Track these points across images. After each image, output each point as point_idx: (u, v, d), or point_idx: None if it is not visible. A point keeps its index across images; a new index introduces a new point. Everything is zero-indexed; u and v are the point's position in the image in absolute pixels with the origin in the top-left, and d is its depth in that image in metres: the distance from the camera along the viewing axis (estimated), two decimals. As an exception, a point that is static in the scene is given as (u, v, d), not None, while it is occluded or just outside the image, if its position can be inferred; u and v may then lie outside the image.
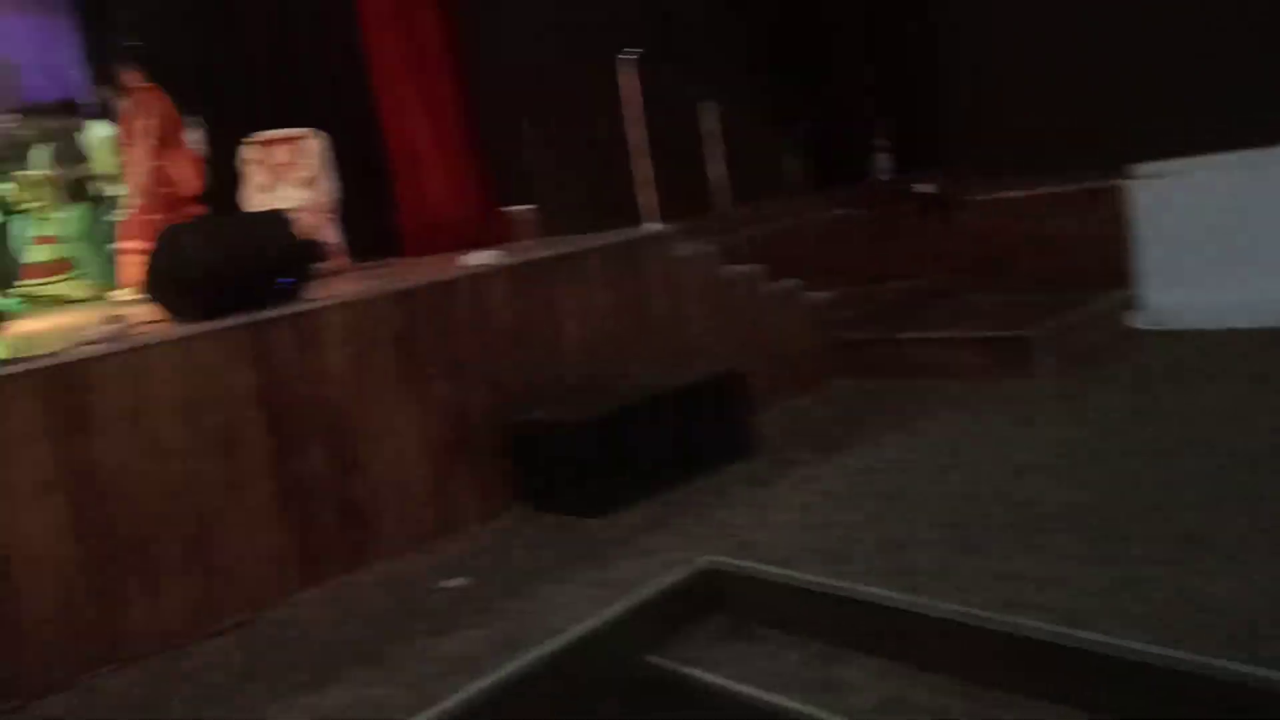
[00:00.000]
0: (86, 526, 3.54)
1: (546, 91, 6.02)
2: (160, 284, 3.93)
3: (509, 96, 5.95)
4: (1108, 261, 6.16)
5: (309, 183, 6.16)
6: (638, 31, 5.47)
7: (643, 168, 5.24)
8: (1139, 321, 6.01)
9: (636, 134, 5.18)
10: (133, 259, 5.82)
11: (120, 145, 6.34)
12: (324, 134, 6.23)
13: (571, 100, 5.96)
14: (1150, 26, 5.97)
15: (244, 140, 6.22)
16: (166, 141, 5.99)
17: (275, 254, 4.04)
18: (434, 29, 5.91)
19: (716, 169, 5.43)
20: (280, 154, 6.23)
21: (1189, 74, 5.83)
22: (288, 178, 6.16)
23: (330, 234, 6.08)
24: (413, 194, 6.16)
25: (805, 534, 3.72)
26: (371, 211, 6.26)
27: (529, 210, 6.04)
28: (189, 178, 6.01)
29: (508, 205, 6.02)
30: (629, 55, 5.15)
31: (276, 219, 4.25)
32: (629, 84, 5.15)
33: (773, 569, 3.29)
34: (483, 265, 4.61)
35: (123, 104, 6.21)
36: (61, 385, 3.54)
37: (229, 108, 6.34)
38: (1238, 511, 3.31)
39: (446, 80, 5.96)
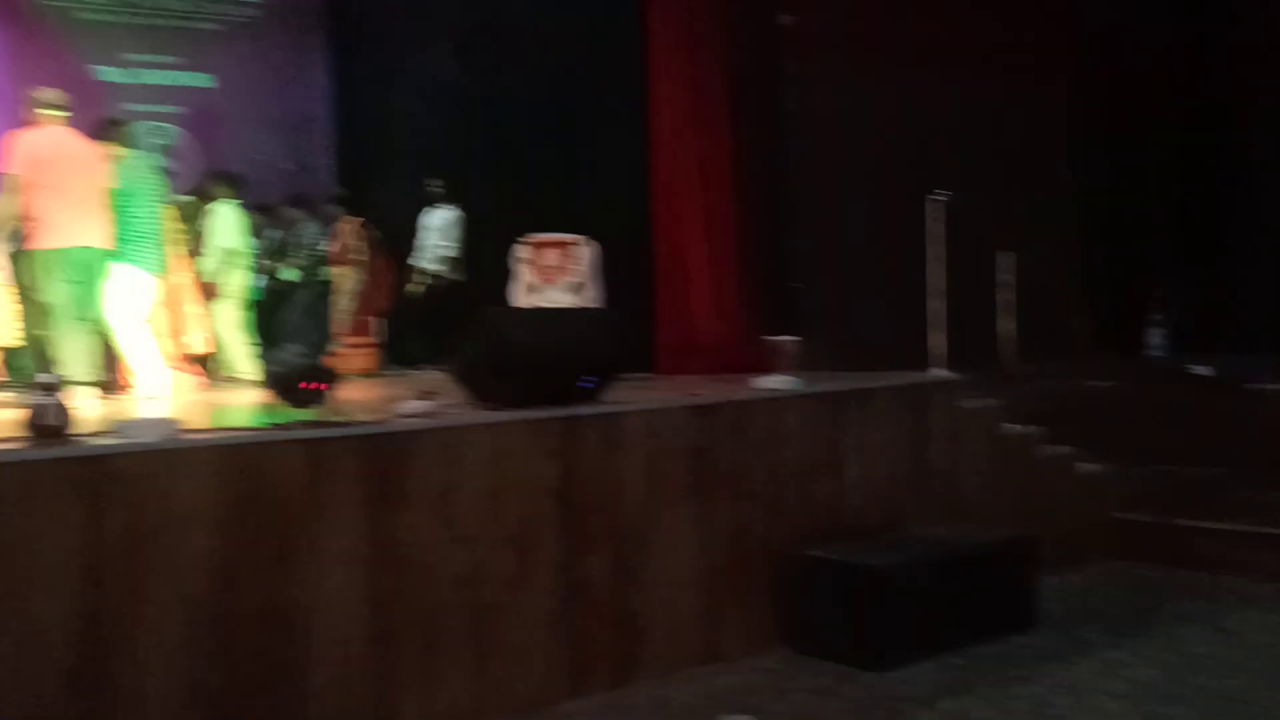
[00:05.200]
0: (378, 603, 3.46)
1: (841, 223, 5.97)
2: (475, 366, 3.93)
3: (801, 224, 5.91)
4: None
5: (577, 288, 6.23)
6: (943, 171, 5.37)
7: (937, 311, 5.08)
8: None
9: (936, 276, 5.04)
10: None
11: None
12: (595, 242, 6.32)
13: (869, 237, 5.89)
14: None
15: (519, 240, 6.36)
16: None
17: (590, 352, 4.00)
18: (723, 145, 5.96)
19: (1006, 321, 5.22)
20: (551, 256, 6.34)
21: None
22: (556, 280, 6.25)
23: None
24: (675, 310, 6.13)
25: (1139, 727, 3.35)
26: (629, 324, 6.26)
27: (792, 341, 5.93)
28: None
29: (773, 334, 5.91)
30: (939, 196, 5.06)
31: (597, 318, 4.25)
32: (935, 225, 5.04)
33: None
34: (778, 390, 4.48)
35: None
36: (382, 456, 3.52)
37: (508, 205, 6.52)
38: None
39: (727, 199, 5.97)
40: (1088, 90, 7.30)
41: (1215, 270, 6.64)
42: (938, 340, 5.11)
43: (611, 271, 6.30)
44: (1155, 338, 6.55)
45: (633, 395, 4.54)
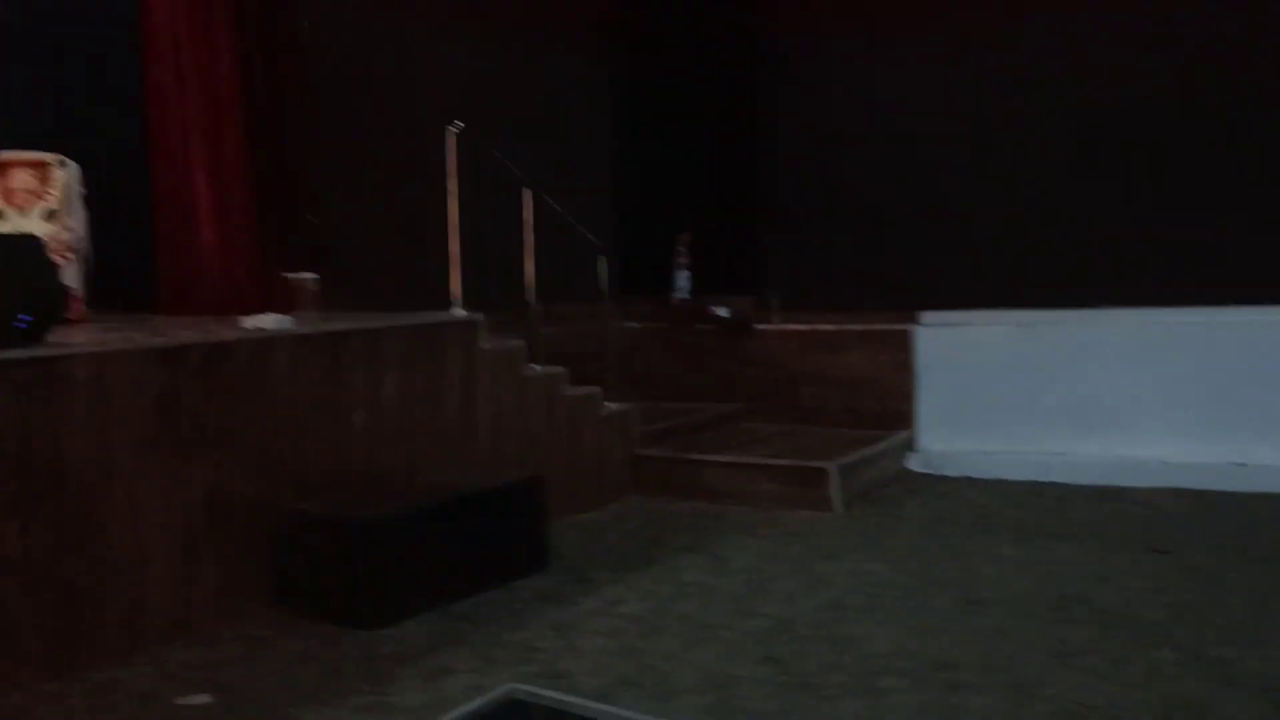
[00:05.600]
0: None
1: (364, 157, 5.56)
2: None
3: (320, 154, 5.42)
4: (893, 403, 6.30)
5: (52, 216, 5.34)
6: (474, 108, 5.14)
7: (455, 248, 4.87)
8: (916, 464, 6.13)
9: (453, 210, 4.82)
10: None
11: None
12: (74, 163, 5.45)
13: (394, 172, 5.53)
14: (962, 183, 6.28)
15: (-20, 158, 5.34)
16: None
17: (22, 286, 3.35)
18: (226, 59, 5.33)
19: (530, 261, 5.12)
20: (22, 179, 5.39)
21: (987, 229, 6.13)
22: (30, 206, 5.33)
23: (70, 277, 5.26)
24: (178, 242, 5.45)
25: (618, 662, 3.35)
26: (126, 259, 5.49)
27: (310, 279, 5.49)
28: None
29: (291, 270, 5.44)
30: (455, 127, 4.82)
31: (30, 246, 3.57)
32: (451, 157, 4.81)
33: (590, 703, 2.89)
34: (267, 330, 4.05)
35: None
36: None
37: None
38: (1056, 663, 3.24)
39: (235, 122, 5.37)
40: (627, 36, 7.44)
41: (742, 216, 7.03)
42: (456, 279, 4.91)
43: (104, 197, 5.46)
44: (682, 280, 6.83)
45: (90, 336, 3.91)
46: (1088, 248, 5.98)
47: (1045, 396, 5.85)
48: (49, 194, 5.36)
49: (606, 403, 5.62)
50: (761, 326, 6.74)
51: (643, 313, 6.85)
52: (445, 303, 5.00)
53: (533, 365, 5.16)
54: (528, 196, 5.18)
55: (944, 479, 5.93)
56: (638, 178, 7.01)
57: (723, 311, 6.80)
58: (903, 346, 6.28)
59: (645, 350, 6.62)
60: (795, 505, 5.37)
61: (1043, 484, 5.66)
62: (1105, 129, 6.11)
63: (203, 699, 3.14)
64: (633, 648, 3.48)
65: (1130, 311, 5.70)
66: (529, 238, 5.14)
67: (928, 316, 6.26)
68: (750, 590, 4.10)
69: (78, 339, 3.81)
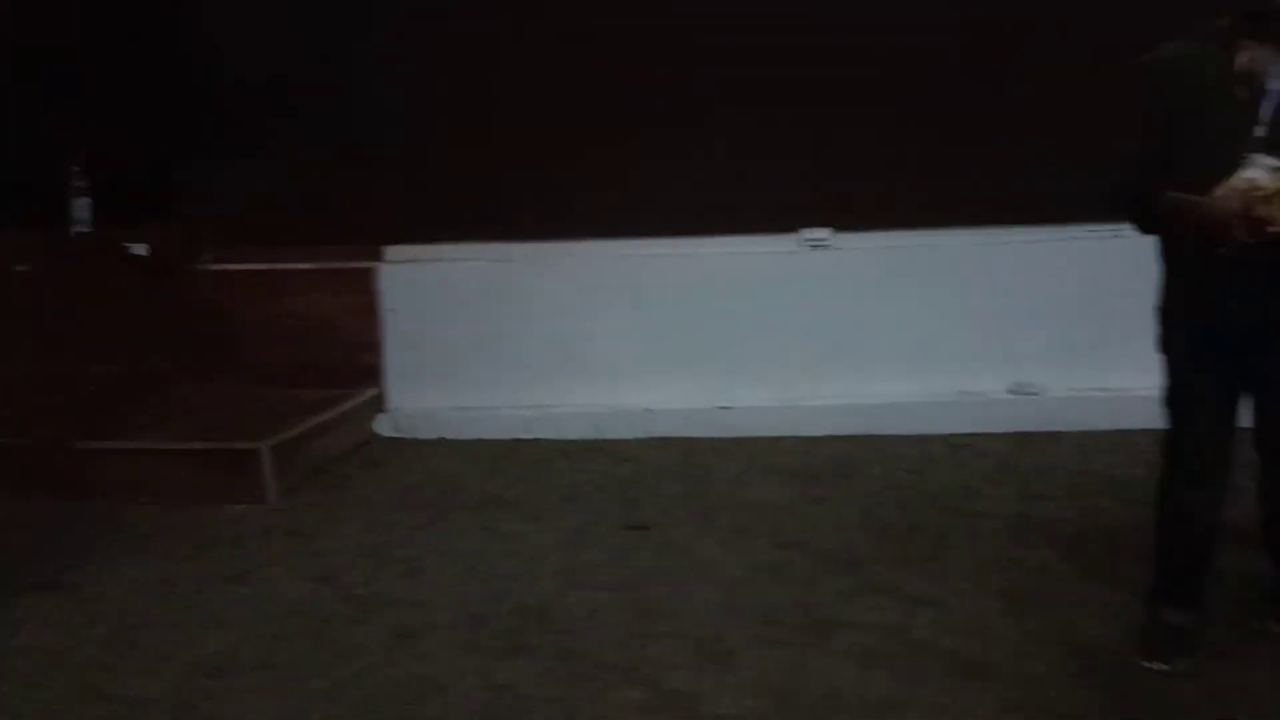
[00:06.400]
0: None
1: None
2: None
3: None
4: (357, 355, 5.29)
5: None
6: None
7: None
8: (385, 428, 5.20)
9: None
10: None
11: None
12: None
13: None
14: (432, 98, 5.26)
15: None
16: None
17: None
18: None
19: None
20: None
21: (464, 148, 5.20)
22: None
23: None
24: None
25: None
26: None
27: None
28: None
29: None
30: None
31: None
32: None
33: None
34: None
35: None
36: None
37: None
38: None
39: None
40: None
41: (161, 128, 5.55)
42: None
43: None
44: (81, 210, 5.27)
45: None
46: (573, 174, 5.26)
47: (527, 343, 5.13)
48: None
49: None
50: (191, 266, 5.41)
51: (30, 251, 5.21)
52: None
53: None
54: None
55: (416, 443, 5.05)
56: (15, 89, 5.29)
57: (138, 248, 5.35)
58: (366, 288, 5.27)
59: (28, 303, 5.03)
60: (220, 499, 4.23)
61: (524, 442, 4.96)
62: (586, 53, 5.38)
63: None
64: None
65: (614, 244, 5.12)
66: None
67: (393, 251, 5.29)
68: (104, 651, 2.94)
69: None
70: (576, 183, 5.09)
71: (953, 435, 4.61)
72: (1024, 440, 4.52)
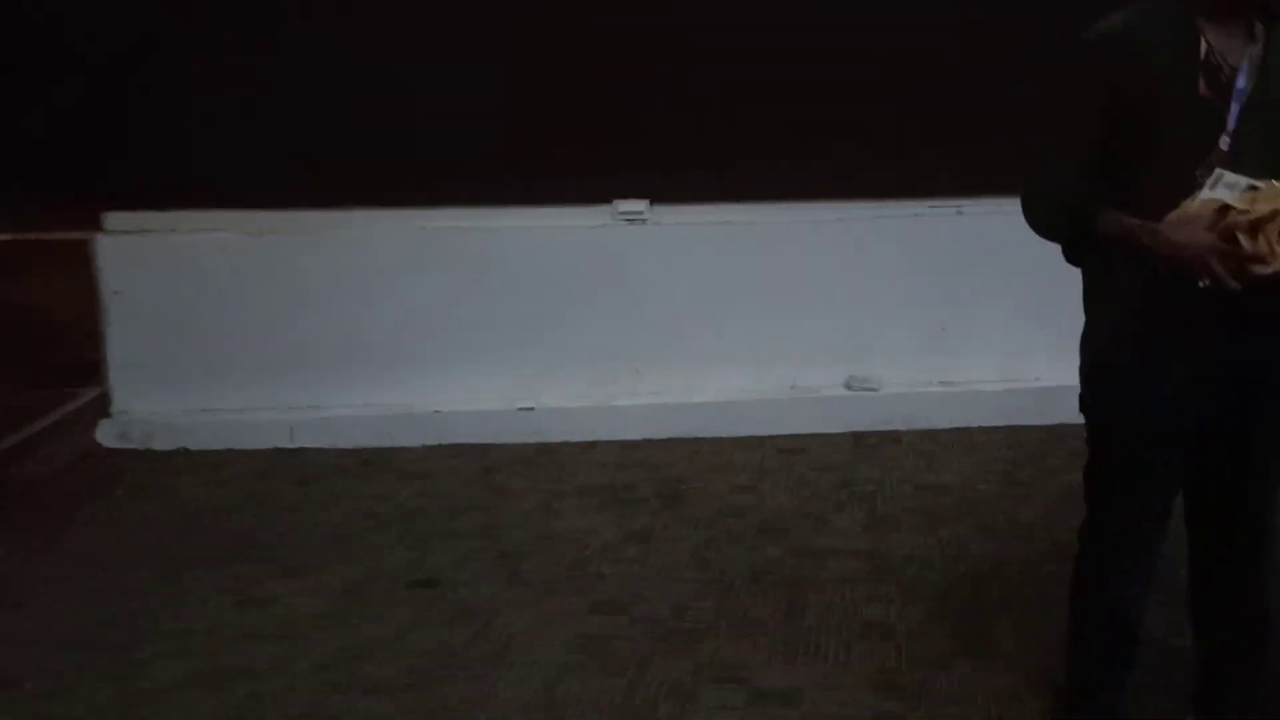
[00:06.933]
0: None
1: None
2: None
3: None
4: (74, 349, 4.29)
5: None
6: None
7: None
8: (110, 437, 4.24)
9: None
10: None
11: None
12: None
13: None
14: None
15: None
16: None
17: None
18: None
19: None
20: None
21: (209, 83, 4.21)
22: None
23: None
24: None
25: None
26: None
27: None
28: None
29: None
30: None
31: None
32: None
33: None
34: None
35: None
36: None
37: None
38: None
39: None
40: None
41: None
42: None
43: None
44: None
45: None
46: (345, 131, 4.35)
47: (291, 331, 4.27)
48: None
49: None
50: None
51: None
52: None
53: None
54: None
55: (150, 458, 4.14)
56: None
57: None
58: (84, 265, 4.26)
59: None
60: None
61: (286, 454, 4.15)
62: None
63: None
64: None
65: (393, 215, 4.29)
66: None
67: (114, 219, 4.28)
68: None
69: None
70: (348, 141, 4.23)
71: (785, 438, 4.10)
72: (861, 443, 4.07)
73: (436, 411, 4.25)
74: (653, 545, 3.29)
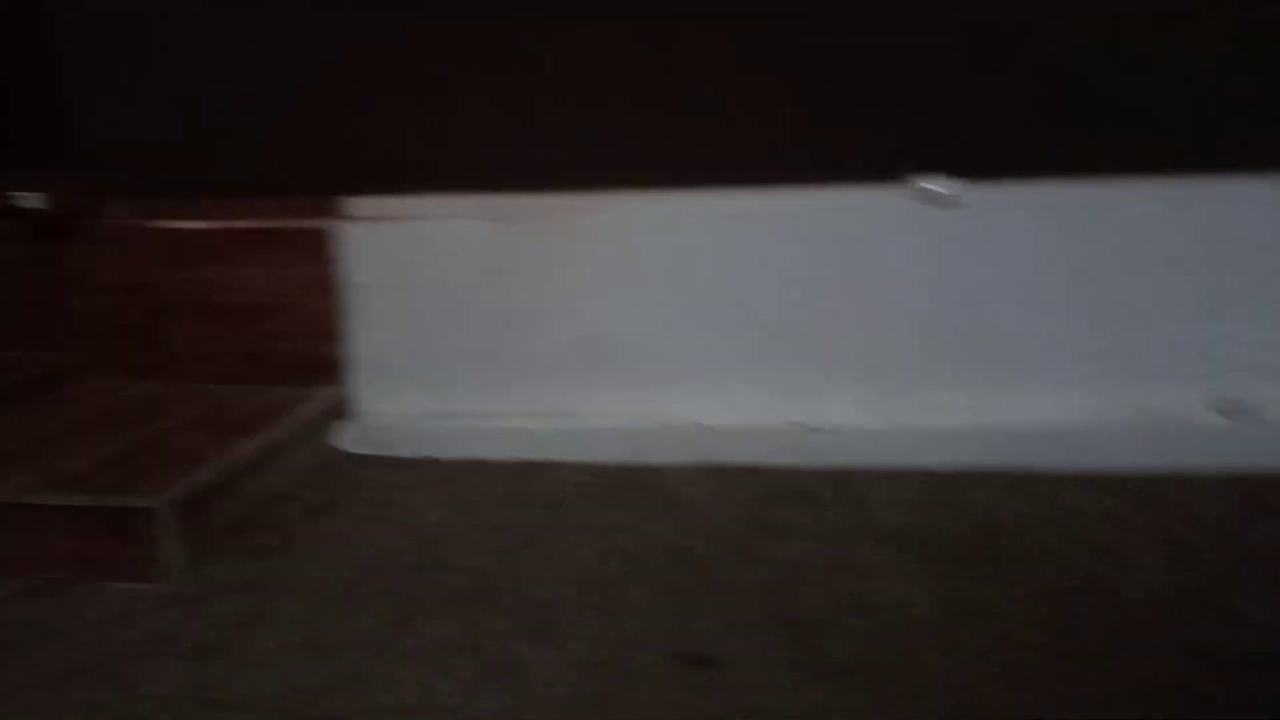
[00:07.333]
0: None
1: None
2: None
3: None
4: (310, 343, 3.98)
5: None
6: None
7: None
8: (352, 443, 3.90)
9: None
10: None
11: None
12: None
13: None
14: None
15: None
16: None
17: None
18: None
19: None
20: None
21: (451, 65, 3.82)
22: None
23: None
24: None
25: None
26: None
27: None
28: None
29: None
30: None
31: None
32: None
33: None
34: None
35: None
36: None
37: None
38: None
39: None
40: None
41: (34, 45, 4.18)
42: None
43: None
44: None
45: None
46: (600, 101, 3.86)
47: (541, 329, 3.80)
48: None
49: None
50: (96, 223, 4.09)
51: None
52: None
53: None
54: None
55: (391, 467, 3.76)
56: None
57: (34, 200, 4.05)
58: (320, 255, 3.93)
59: None
60: (109, 572, 2.98)
61: (535, 467, 3.67)
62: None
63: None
64: None
65: (665, 197, 3.73)
66: None
67: (359, 206, 3.93)
68: None
69: None
70: (606, 111, 3.71)
71: (1139, 479, 3.24)
72: (1245, 489, 3.16)
73: (700, 424, 3.66)
74: (987, 623, 2.55)
